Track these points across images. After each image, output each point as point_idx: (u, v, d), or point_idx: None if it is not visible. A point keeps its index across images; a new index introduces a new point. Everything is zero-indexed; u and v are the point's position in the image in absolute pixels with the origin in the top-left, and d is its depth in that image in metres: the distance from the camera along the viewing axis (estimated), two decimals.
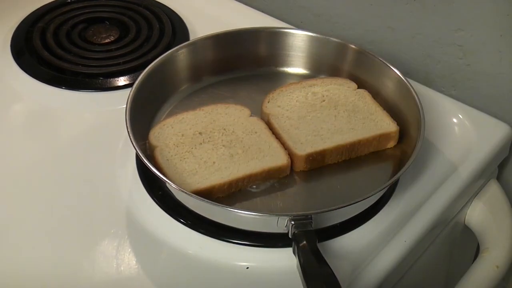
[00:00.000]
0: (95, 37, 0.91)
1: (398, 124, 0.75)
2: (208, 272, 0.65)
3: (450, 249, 0.83)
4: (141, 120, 0.75)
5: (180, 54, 0.81)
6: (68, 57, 0.87)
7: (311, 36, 0.83)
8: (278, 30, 0.85)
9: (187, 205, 0.68)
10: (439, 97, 0.84)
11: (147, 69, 0.77)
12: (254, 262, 0.66)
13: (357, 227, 0.69)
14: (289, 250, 0.63)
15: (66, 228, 0.68)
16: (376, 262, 0.65)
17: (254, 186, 0.71)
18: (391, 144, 0.75)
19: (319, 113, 0.77)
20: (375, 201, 0.70)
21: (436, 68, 0.87)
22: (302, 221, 0.63)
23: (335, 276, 0.58)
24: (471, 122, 0.81)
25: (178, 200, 0.69)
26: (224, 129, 0.74)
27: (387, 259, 0.66)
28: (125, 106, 0.71)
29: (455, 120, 0.81)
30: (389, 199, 0.71)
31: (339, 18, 0.93)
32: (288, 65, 0.85)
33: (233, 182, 0.69)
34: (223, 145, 0.72)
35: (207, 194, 0.68)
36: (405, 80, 0.76)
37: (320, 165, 0.73)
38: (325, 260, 0.60)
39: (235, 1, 1.00)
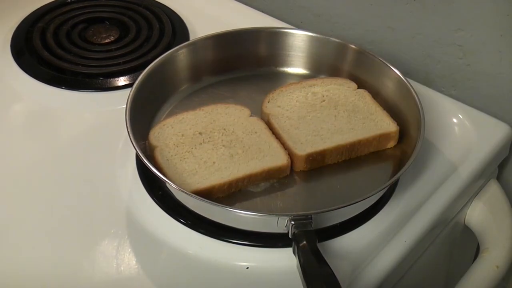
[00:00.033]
0: (95, 37, 0.91)
1: (398, 124, 0.75)
2: (208, 272, 0.65)
3: (450, 249, 0.83)
4: (141, 120, 0.75)
5: (180, 54, 0.81)
6: (68, 57, 0.87)
7: (311, 36, 0.83)
8: (278, 30, 0.85)
9: (187, 205, 0.68)
10: (439, 97, 0.84)
11: (147, 69, 0.77)
12: (254, 262, 0.66)
13: (357, 227, 0.69)
14: (289, 250, 0.63)
15: (66, 228, 0.68)
16: (376, 262, 0.65)
17: (254, 186, 0.71)
18: (391, 144, 0.75)
19: (319, 113, 0.77)
20: (375, 201, 0.70)
21: (436, 68, 0.87)
22: (302, 221, 0.63)
23: (335, 276, 0.58)
24: (471, 122, 0.81)
25: (178, 200, 0.69)
26: (224, 129, 0.74)
27: (387, 259, 0.66)
28: (125, 106, 0.71)
29: (455, 120, 0.81)
30: (389, 199, 0.71)
31: (339, 18, 0.93)
32: (288, 65, 0.85)
33: (233, 182, 0.69)
34: (223, 145, 0.72)
35: (207, 194, 0.68)
36: (405, 80, 0.76)
37: (320, 165, 0.73)
38: (325, 260, 0.60)
39: (235, 1, 1.00)
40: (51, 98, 0.83)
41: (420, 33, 0.86)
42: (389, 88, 0.79)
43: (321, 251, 0.61)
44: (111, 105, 0.82)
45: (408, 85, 0.76)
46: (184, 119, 0.75)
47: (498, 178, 0.84)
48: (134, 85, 0.74)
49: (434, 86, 0.86)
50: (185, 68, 0.82)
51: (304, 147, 0.72)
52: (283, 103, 0.78)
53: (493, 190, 0.80)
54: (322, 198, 0.71)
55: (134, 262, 0.66)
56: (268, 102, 0.78)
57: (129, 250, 0.67)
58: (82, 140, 0.78)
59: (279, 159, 0.71)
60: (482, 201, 0.79)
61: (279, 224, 0.63)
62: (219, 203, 0.66)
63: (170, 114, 0.78)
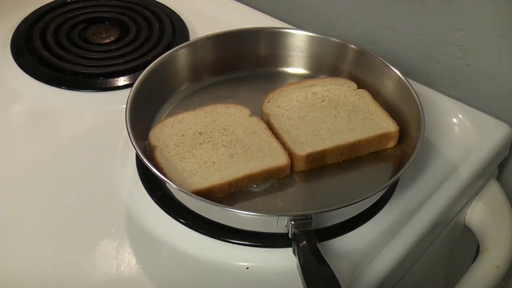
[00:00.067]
0: (95, 37, 0.91)
1: (398, 124, 0.75)
2: (208, 272, 0.65)
3: (450, 249, 0.83)
4: (141, 120, 0.75)
5: (180, 54, 0.81)
6: (68, 57, 0.87)
7: (311, 36, 0.83)
8: (278, 30, 0.85)
9: (187, 205, 0.68)
10: (439, 97, 0.84)
11: (147, 69, 0.77)
12: (254, 262, 0.66)
13: (357, 227, 0.69)
14: (289, 250, 0.63)
15: (66, 228, 0.68)
16: (376, 262, 0.65)
17: (254, 186, 0.71)
18: (391, 144, 0.75)
19: (319, 113, 0.77)
20: (375, 201, 0.70)
21: (436, 68, 0.87)
22: (302, 221, 0.63)
23: (335, 276, 0.58)
24: (471, 122, 0.81)
25: (178, 200, 0.69)
26: (224, 129, 0.74)
27: (387, 259, 0.66)
28: (125, 106, 0.71)
29: (455, 120, 0.81)
30: (389, 199, 0.71)
31: (339, 18, 0.93)
32: (288, 65, 0.85)
33: (233, 182, 0.69)
34: (223, 145, 0.72)
35: (207, 194, 0.68)
36: (405, 80, 0.76)
37: (320, 165, 0.73)
38: (325, 260, 0.60)
39: (235, 1, 1.00)
40: (51, 98, 0.83)
41: (420, 33, 0.86)
42: (389, 88, 0.79)
43: (321, 251, 0.61)
44: (111, 105, 0.82)
45: (408, 85, 0.76)
46: (184, 119, 0.75)
47: (498, 178, 0.84)
48: (134, 85, 0.74)
49: (434, 86, 0.86)
50: (185, 68, 0.82)
51: (304, 147, 0.72)
52: (283, 103, 0.78)
53: (493, 190, 0.80)
54: (322, 198, 0.71)
55: (134, 262, 0.66)
56: (268, 102, 0.78)
57: (129, 250, 0.67)
58: (82, 140, 0.78)
59: (279, 159, 0.71)
60: (482, 201, 0.79)
61: (279, 224, 0.63)
62: (219, 203, 0.66)
63: (170, 114, 0.78)
